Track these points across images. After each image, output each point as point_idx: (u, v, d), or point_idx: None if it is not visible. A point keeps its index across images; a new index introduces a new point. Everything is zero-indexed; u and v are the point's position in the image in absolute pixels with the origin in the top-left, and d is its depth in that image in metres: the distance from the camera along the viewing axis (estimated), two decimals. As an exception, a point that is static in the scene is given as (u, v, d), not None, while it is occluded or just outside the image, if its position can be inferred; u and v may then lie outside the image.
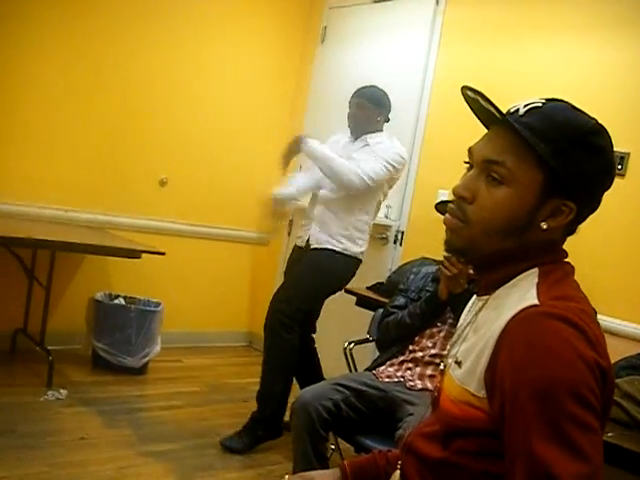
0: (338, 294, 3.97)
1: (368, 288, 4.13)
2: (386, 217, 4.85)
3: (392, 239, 4.85)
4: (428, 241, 3.89)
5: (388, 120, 4.05)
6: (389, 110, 4.04)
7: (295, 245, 4.10)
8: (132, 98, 4.94)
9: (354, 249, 3.87)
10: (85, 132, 4.77)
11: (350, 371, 3.41)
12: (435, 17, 4.82)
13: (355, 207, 3.86)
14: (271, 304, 3.85)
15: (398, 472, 1.51)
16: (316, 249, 3.86)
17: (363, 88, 4.01)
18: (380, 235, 4.86)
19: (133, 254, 4.23)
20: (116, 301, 4.78)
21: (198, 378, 4.75)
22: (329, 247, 3.83)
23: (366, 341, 3.51)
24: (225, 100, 5.37)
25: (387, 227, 4.85)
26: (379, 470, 1.62)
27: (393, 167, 3.80)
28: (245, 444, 3.72)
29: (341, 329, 4.40)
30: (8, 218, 4.41)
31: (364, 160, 3.74)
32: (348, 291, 4.07)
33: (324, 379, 3.90)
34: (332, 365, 4.09)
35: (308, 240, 3.92)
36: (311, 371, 4.10)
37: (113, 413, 3.93)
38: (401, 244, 4.81)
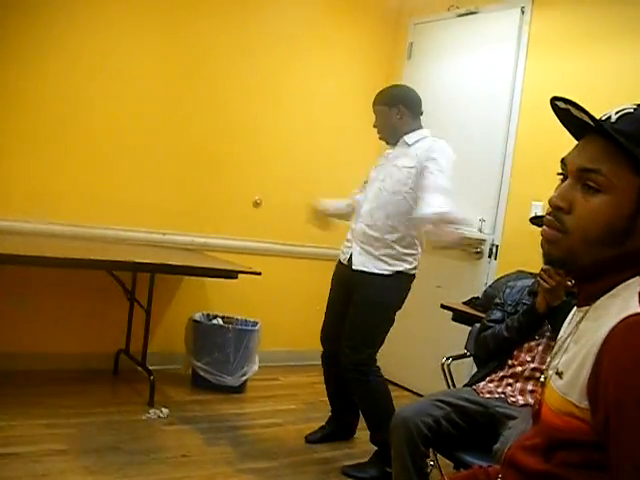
0: (433, 310, 3.93)
1: (464, 303, 4.10)
2: (480, 231, 4.80)
3: (487, 253, 4.80)
4: (523, 254, 3.82)
5: (421, 113, 3.79)
6: (412, 102, 3.76)
7: (339, 259, 3.94)
8: (225, 121, 5.06)
9: (404, 266, 3.65)
10: (180, 156, 4.91)
11: (448, 387, 3.38)
12: (521, 27, 4.76)
13: (400, 225, 3.63)
14: (341, 351, 3.75)
15: (499, 486, 1.49)
16: (363, 273, 3.67)
17: (378, 94, 3.84)
18: (474, 249, 4.81)
19: (230, 275, 4.31)
20: (214, 321, 4.87)
21: (296, 396, 4.78)
22: (375, 272, 3.64)
23: (464, 356, 3.47)
24: (315, 119, 5.43)
25: (481, 241, 4.80)
26: (479, 485, 1.59)
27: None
28: (371, 475, 3.65)
29: (438, 345, 4.38)
30: (108, 243, 4.56)
31: (434, 180, 3.45)
32: (444, 306, 4.04)
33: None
34: (430, 381, 4.06)
35: (350, 259, 3.75)
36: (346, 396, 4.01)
37: (213, 431, 4.00)
38: (496, 258, 4.75)
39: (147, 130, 4.77)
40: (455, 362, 3.42)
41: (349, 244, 3.81)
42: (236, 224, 5.20)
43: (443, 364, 3.40)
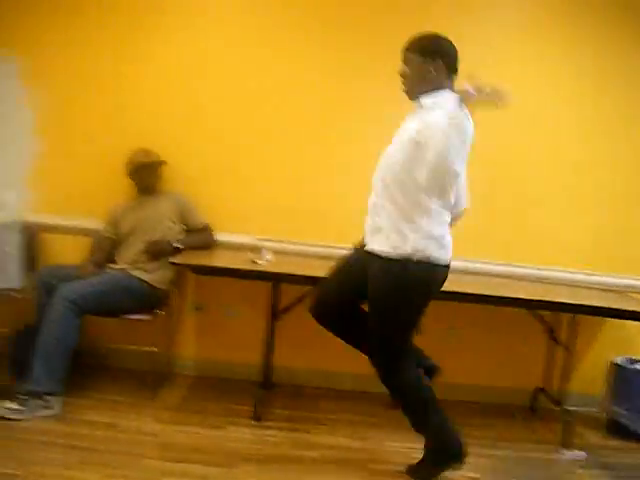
0: None
1: None
2: None
3: None
4: None
5: (454, 71, 3.13)
6: (448, 57, 3.11)
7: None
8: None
9: (427, 253, 3.06)
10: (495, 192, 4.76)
11: None
12: None
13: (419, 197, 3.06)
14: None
15: None
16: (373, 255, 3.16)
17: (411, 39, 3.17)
18: None
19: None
20: (636, 366, 4.71)
21: None
22: (380, 251, 3.12)
23: None
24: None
25: None
26: None
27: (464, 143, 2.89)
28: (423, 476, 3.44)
29: None
30: (528, 281, 4.69)
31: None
32: None
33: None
34: None
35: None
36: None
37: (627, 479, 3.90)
38: None
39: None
40: None
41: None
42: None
43: None
